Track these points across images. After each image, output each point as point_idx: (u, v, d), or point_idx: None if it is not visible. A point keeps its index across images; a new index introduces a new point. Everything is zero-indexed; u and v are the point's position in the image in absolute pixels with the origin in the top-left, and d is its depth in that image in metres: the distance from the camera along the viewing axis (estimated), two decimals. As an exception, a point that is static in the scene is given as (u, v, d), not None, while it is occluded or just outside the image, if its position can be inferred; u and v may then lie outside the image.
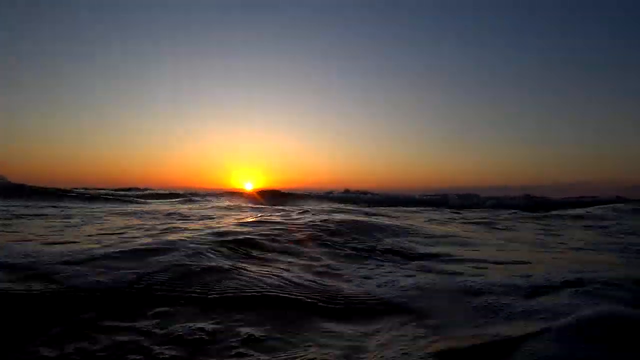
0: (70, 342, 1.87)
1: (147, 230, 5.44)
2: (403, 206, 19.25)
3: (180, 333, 1.98)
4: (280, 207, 13.80)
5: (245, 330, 2.06)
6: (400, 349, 1.77)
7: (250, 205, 15.00)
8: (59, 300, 2.35)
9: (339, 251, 4.37)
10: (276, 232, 5.07)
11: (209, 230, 4.92)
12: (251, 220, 6.43)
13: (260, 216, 7.96)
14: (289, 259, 3.79)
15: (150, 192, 25.25)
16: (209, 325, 2.09)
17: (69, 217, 7.83)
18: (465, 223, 8.77)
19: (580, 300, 2.34)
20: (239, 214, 9.36)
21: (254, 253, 3.95)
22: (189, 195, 22.97)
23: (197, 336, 1.95)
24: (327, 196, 24.19)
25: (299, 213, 8.46)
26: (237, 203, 16.88)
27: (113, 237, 4.68)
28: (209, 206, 13.63)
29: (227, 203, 16.95)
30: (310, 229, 5.43)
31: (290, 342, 1.94)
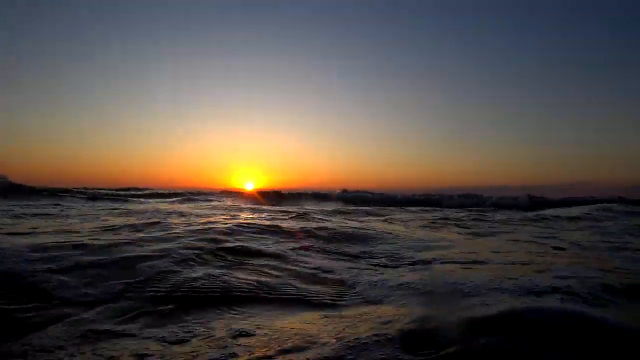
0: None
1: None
2: (402, 206, 19.35)
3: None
4: (278, 209, 13.89)
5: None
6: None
7: (249, 205, 15.11)
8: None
9: (329, 255, 4.48)
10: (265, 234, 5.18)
11: (194, 230, 5.03)
12: (243, 222, 6.54)
13: (254, 216, 8.07)
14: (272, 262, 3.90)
15: (150, 191, 25.45)
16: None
17: (68, 216, 7.96)
18: (458, 226, 8.87)
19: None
20: (235, 214, 9.47)
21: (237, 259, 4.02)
22: (188, 195, 23.11)
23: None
24: (327, 196, 24.24)
25: (292, 217, 8.55)
26: (234, 203, 16.99)
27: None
28: (206, 206, 13.74)
29: (228, 203, 17.06)
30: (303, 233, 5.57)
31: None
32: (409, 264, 3.98)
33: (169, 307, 2.46)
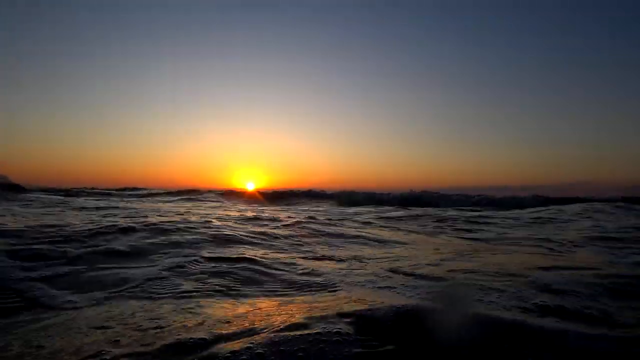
0: None
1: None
2: (401, 206, 19.17)
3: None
4: (273, 209, 13.76)
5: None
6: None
7: (245, 206, 14.99)
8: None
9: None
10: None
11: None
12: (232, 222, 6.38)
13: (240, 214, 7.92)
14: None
15: (149, 191, 25.36)
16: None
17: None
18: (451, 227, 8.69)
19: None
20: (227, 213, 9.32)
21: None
22: (186, 194, 23.00)
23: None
24: (328, 196, 24.08)
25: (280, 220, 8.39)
26: (231, 203, 16.86)
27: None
28: (202, 207, 13.61)
29: (224, 203, 16.91)
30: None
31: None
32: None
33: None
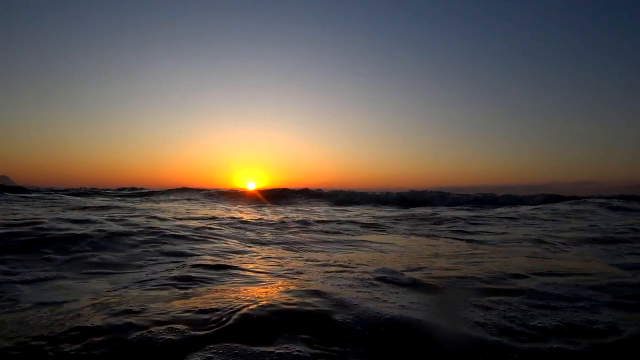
0: None
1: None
2: (399, 205, 18.89)
3: None
4: (265, 208, 13.46)
5: None
6: None
7: (241, 206, 14.69)
8: None
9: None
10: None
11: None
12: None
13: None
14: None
15: (146, 190, 25.05)
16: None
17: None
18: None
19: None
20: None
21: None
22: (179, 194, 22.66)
23: None
24: (324, 195, 23.77)
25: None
26: (228, 204, 16.55)
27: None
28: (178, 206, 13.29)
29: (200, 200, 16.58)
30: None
31: None
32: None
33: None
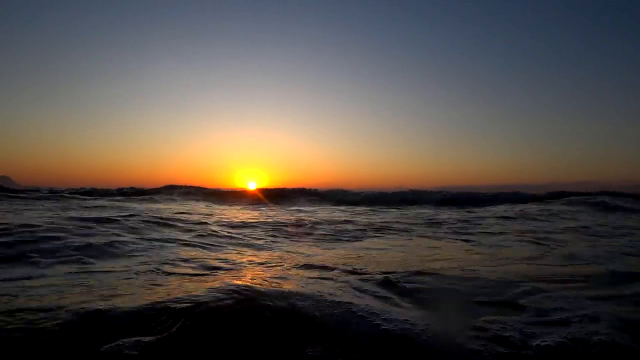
0: None
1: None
2: (398, 206, 18.71)
3: None
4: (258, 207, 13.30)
5: None
6: None
7: (238, 206, 14.51)
8: None
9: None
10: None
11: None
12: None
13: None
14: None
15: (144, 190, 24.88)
16: None
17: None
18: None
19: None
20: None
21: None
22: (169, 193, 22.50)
23: None
24: (321, 194, 23.62)
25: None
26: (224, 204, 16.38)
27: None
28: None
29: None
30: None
31: None
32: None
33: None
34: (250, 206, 16.01)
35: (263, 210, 13.15)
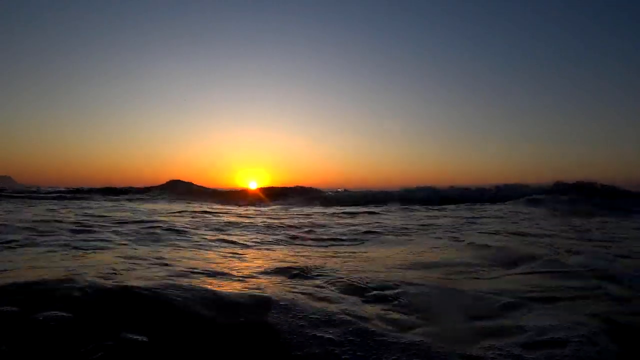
0: None
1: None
2: (397, 205, 18.52)
3: None
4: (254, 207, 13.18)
5: None
6: None
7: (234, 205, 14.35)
8: None
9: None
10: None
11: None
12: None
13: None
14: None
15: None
16: None
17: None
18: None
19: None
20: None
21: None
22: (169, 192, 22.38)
23: None
24: (320, 193, 23.49)
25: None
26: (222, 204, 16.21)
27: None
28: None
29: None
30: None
31: None
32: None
33: None
34: (243, 207, 15.86)
35: (262, 209, 13.00)
